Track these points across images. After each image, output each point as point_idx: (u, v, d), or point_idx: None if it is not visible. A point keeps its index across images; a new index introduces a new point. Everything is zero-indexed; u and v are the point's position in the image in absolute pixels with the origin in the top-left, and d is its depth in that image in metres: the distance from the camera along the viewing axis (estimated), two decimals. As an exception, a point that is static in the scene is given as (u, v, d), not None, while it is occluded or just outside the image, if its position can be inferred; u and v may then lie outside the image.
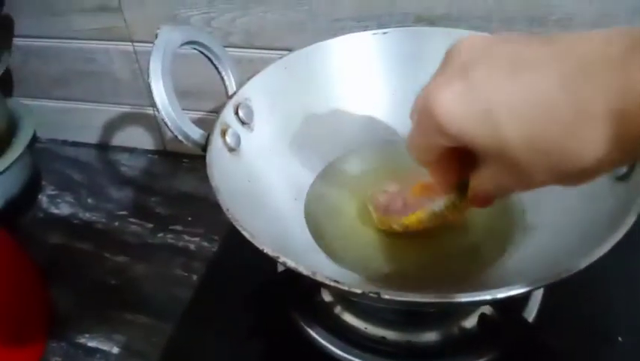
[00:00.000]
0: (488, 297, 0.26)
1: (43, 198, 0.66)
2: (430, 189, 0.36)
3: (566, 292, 0.39)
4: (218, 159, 0.36)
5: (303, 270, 0.28)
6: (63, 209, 0.65)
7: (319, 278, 0.27)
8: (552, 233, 0.37)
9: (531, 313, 0.40)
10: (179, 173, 0.69)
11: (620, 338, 0.41)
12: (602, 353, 0.40)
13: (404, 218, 0.37)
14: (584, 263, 0.28)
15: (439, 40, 0.44)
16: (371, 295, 0.26)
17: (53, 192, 0.67)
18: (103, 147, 0.74)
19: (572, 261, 0.28)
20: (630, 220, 0.30)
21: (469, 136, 0.23)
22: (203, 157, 0.66)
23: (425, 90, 0.24)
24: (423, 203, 0.36)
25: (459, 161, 0.27)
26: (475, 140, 0.22)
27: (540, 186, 0.23)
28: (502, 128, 0.21)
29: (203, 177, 0.65)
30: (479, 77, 0.22)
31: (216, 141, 0.37)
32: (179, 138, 0.36)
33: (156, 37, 0.35)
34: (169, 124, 0.35)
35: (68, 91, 0.70)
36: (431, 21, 0.50)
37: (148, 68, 0.34)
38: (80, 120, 0.72)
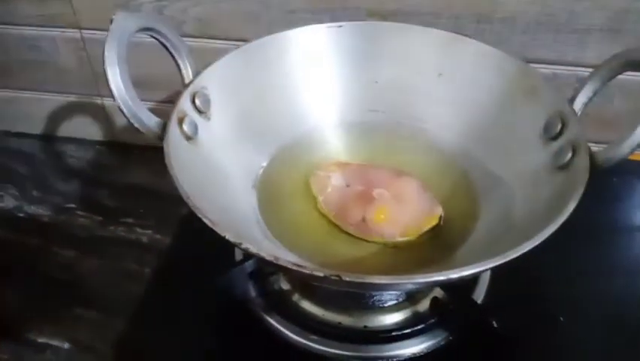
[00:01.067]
0: (442, 277, 0.28)
1: (-16, 192, 0.63)
2: None
3: (511, 276, 0.41)
4: (175, 147, 0.36)
5: (266, 256, 0.28)
6: (7, 202, 0.62)
7: (282, 263, 0.28)
8: (498, 221, 0.39)
9: (480, 295, 0.42)
10: (128, 164, 0.67)
11: (561, 319, 0.44)
12: (545, 333, 0.43)
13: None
14: (526, 247, 0.29)
15: (391, 35, 0.47)
16: (332, 278, 0.27)
17: (-5, 185, 0.64)
18: (48, 138, 0.71)
19: (516, 245, 0.29)
20: (570, 207, 0.32)
21: None
22: (154, 148, 0.65)
23: None
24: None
25: None
26: None
27: None
28: None
29: (154, 169, 0.66)
30: None
31: (174, 130, 0.37)
32: (136, 125, 0.36)
33: (111, 22, 0.35)
34: (125, 111, 0.35)
35: (11, 80, 0.67)
36: (383, 16, 0.52)
37: (103, 55, 0.34)
38: (23, 110, 0.69)
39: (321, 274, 0.28)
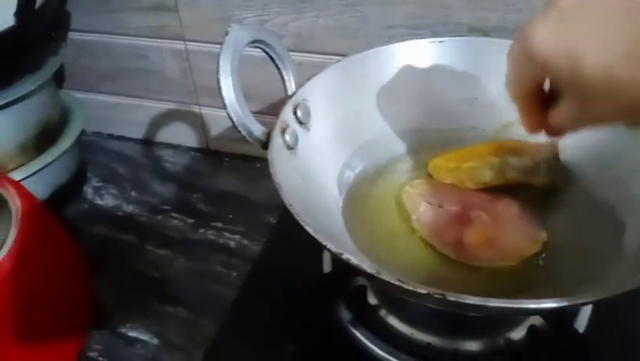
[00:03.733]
0: (554, 305, 0.26)
1: (88, 190, 0.68)
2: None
3: (618, 304, 0.39)
4: (278, 156, 0.37)
5: (367, 269, 0.28)
6: (107, 201, 0.66)
7: (384, 277, 0.28)
8: (608, 250, 0.37)
9: (581, 325, 0.40)
10: (220, 171, 0.70)
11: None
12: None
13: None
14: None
15: (494, 51, 0.45)
16: (435, 296, 0.27)
17: (98, 184, 0.69)
18: (147, 143, 0.75)
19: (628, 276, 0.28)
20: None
21: (554, 66, 0.26)
22: (243, 157, 0.69)
23: (526, 26, 0.28)
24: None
25: (544, 104, 0.31)
26: (558, 70, 0.26)
27: (608, 121, 0.27)
28: (583, 62, 0.25)
29: (243, 177, 0.68)
30: (573, 20, 0.26)
31: (277, 139, 0.38)
32: (243, 133, 0.37)
33: (226, 34, 0.36)
34: (235, 120, 0.36)
35: (117, 86, 0.71)
36: (484, 32, 0.51)
37: (217, 64, 0.35)
38: (126, 115, 0.74)
39: (424, 292, 0.27)
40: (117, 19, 0.64)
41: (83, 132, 0.65)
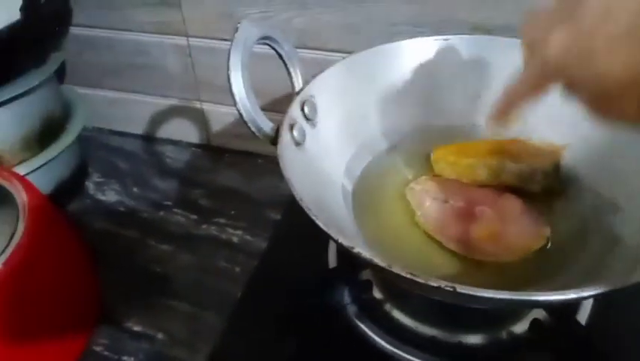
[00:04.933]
0: (561, 297, 0.27)
1: (89, 185, 0.68)
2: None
3: (618, 297, 0.40)
4: (287, 152, 0.37)
5: (379, 262, 0.29)
6: (109, 196, 0.66)
7: (395, 270, 0.28)
8: (609, 245, 0.37)
9: (583, 317, 0.40)
10: (221, 167, 0.70)
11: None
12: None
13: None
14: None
15: (497, 49, 0.46)
16: (447, 289, 0.27)
17: (100, 180, 0.69)
18: (149, 138, 0.76)
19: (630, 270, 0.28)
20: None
21: (570, 71, 0.26)
22: (245, 153, 0.69)
23: (539, 24, 0.28)
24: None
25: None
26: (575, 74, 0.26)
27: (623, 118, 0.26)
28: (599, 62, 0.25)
29: (245, 173, 0.68)
30: (588, 20, 0.25)
31: (285, 135, 0.38)
32: (252, 129, 0.37)
33: (236, 30, 0.36)
34: (244, 115, 0.37)
35: (119, 81, 0.72)
36: (487, 30, 0.51)
37: (228, 60, 0.36)
38: (127, 111, 0.74)
39: (435, 285, 0.28)
40: (120, 15, 0.64)
41: (84, 128, 0.65)
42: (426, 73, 0.47)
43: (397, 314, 0.42)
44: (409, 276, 0.28)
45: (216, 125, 0.71)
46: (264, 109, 0.44)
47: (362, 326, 0.42)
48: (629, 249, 0.35)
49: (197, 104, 0.70)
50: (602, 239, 0.38)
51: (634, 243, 0.36)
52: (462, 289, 0.27)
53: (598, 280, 0.29)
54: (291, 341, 0.44)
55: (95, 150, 0.74)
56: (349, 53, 0.47)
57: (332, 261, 0.46)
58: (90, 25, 0.67)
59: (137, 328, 0.51)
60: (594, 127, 0.42)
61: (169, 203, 0.65)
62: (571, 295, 0.27)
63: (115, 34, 0.67)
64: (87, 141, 0.73)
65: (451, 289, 0.27)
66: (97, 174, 0.70)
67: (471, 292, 0.27)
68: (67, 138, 0.62)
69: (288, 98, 0.42)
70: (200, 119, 0.71)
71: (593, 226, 0.39)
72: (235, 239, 0.59)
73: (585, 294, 0.27)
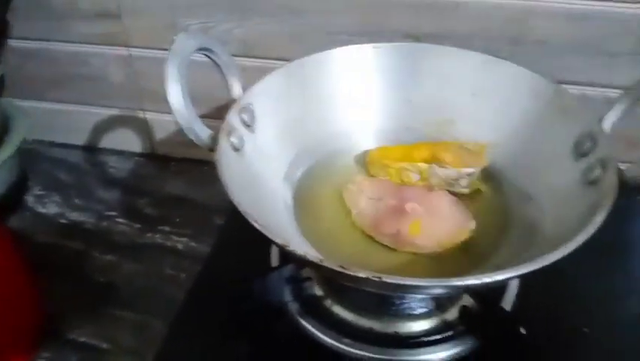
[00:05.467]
0: (476, 281, 0.29)
1: (29, 198, 0.67)
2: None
3: (540, 288, 0.44)
4: (225, 157, 0.38)
5: (313, 258, 0.30)
6: (50, 209, 0.66)
7: (327, 265, 0.30)
8: (529, 235, 0.41)
9: (508, 304, 0.44)
10: (166, 176, 0.70)
11: (585, 330, 0.45)
12: (569, 343, 0.44)
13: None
14: (555, 256, 0.31)
15: (428, 56, 0.49)
16: (374, 279, 0.29)
17: (40, 193, 0.68)
18: (91, 149, 0.75)
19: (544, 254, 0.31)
20: (598, 220, 0.33)
21: None
22: (190, 161, 0.70)
23: None
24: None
25: None
26: None
27: None
28: None
29: (190, 180, 0.69)
30: None
31: (223, 142, 0.39)
32: (191, 137, 0.39)
33: (173, 42, 0.38)
34: (182, 123, 0.38)
35: (61, 93, 0.71)
36: (418, 38, 0.54)
37: (165, 71, 0.37)
38: (69, 122, 0.73)
39: (364, 276, 0.29)
40: (60, 27, 0.64)
41: (23, 140, 0.64)
42: (360, 79, 0.49)
43: (337, 309, 0.44)
44: (339, 269, 0.30)
45: (160, 134, 0.71)
46: (208, 117, 0.46)
47: (304, 322, 0.44)
48: (545, 239, 0.38)
49: (141, 114, 0.70)
50: (521, 230, 0.41)
51: (549, 232, 0.39)
52: (387, 278, 0.29)
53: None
54: (236, 342, 0.45)
55: (37, 163, 0.72)
56: (290, 61, 0.49)
57: (274, 263, 0.48)
58: (30, 37, 0.66)
59: (82, 339, 0.50)
60: (514, 127, 0.46)
61: (113, 213, 0.64)
62: (484, 279, 0.29)
63: (56, 46, 0.66)
64: (28, 154, 0.72)
65: (378, 279, 0.29)
66: (37, 187, 0.69)
67: (396, 281, 0.29)
68: (6, 151, 0.61)
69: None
70: (143, 128, 0.71)
71: (514, 218, 0.43)
72: (180, 246, 0.60)
73: (499, 278, 0.30)
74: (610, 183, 0.36)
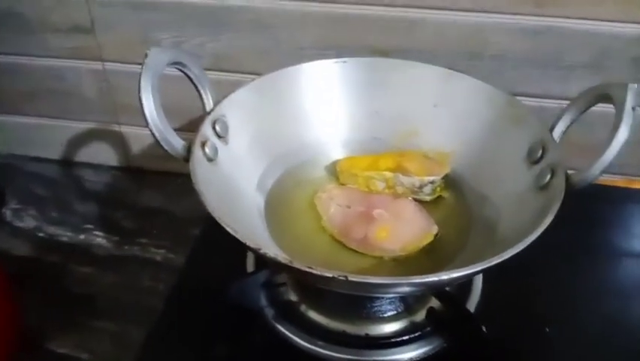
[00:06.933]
0: (435, 278, 0.32)
1: (6, 212, 0.67)
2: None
3: (504, 286, 0.46)
4: (199, 167, 0.40)
5: (282, 259, 0.32)
6: (27, 222, 0.66)
7: (296, 265, 0.32)
8: (486, 237, 0.43)
9: (472, 306, 0.46)
10: (142, 189, 0.71)
11: (547, 329, 0.47)
12: (531, 342, 0.47)
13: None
14: (508, 254, 0.34)
15: (392, 70, 0.52)
16: (339, 278, 0.31)
17: (17, 206, 0.68)
18: (67, 163, 0.75)
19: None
20: (547, 220, 0.36)
21: None
22: (166, 173, 0.71)
23: None
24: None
25: None
26: None
27: None
28: None
29: (166, 193, 0.70)
30: None
31: (197, 152, 0.41)
32: (165, 148, 0.40)
33: (146, 56, 0.39)
34: (157, 135, 0.39)
35: (35, 107, 0.71)
36: (384, 52, 0.57)
37: (138, 84, 0.38)
38: (44, 136, 0.74)
39: (330, 275, 0.31)
40: (34, 41, 0.65)
41: (-1, 155, 0.65)
42: (328, 92, 0.52)
43: (311, 314, 0.46)
44: (307, 269, 0.31)
45: (136, 147, 0.72)
46: (181, 129, 0.47)
47: (280, 326, 0.45)
48: (501, 241, 0.41)
49: (116, 127, 0.71)
50: (480, 232, 0.44)
51: (504, 233, 0.41)
52: (353, 277, 0.31)
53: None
54: (214, 347, 0.47)
55: (12, 177, 0.73)
56: (260, 74, 0.51)
57: (250, 268, 0.49)
58: (4, 51, 0.67)
59: (61, 350, 0.51)
60: (473, 136, 0.49)
61: (90, 226, 0.65)
62: (442, 276, 0.31)
63: (29, 61, 0.67)
64: (3, 169, 0.72)
65: (344, 278, 0.31)
66: (14, 200, 0.69)
67: (360, 280, 0.31)
68: (-20, 166, 0.61)
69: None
70: (119, 141, 0.72)
71: (474, 222, 0.46)
72: (158, 258, 0.61)
73: (455, 275, 0.32)
74: (558, 186, 0.39)
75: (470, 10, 0.53)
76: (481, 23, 0.54)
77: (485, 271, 0.33)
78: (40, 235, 0.64)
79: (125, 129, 0.71)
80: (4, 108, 0.72)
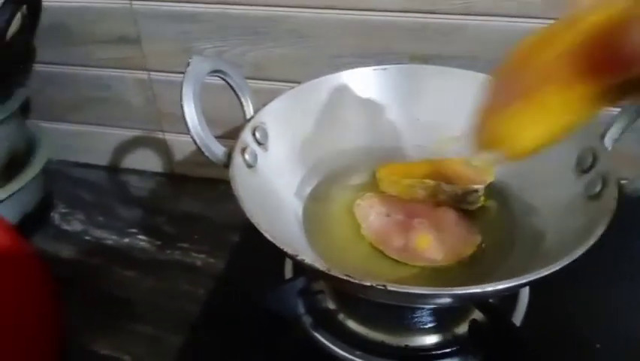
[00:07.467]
0: (478, 290, 0.31)
1: (55, 216, 0.70)
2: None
3: (551, 300, 0.45)
4: (239, 173, 0.41)
5: (320, 267, 0.32)
6: (75, 226, 0.68)
7: (334, 273, 0.31)
8: (532, 248, 0.42)
9: (518, 319, 0.44)
10: (184, 195, 0.73)
11: (598, 346, 0.45)
12: (581, 359, 0.45)
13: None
14: (555, 266, 0.32)
15: (432, 77, 0.51)
16: (378, 287, 0.31)
17: (65, 210, 0.70)
18: (112, 169, 0.78)
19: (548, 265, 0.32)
20: (599, 232, 0.34)
21: None
22: (207, 180, 0.72)
23: None
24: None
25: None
26: None
27: None
28: None
29: (207, 199, 0.71)
30: None
31: (237, 158, 0.41)
32: (206, 154, 0.41)
33: (188, 65, 0.40)
34: (197, 141, 0.40)
35: (82, 115, 0.74)
36: (424, 59, 0.56)
37: (181, 92, 0.39)
38: (91, 143, 0.76)
39: (368, 284, 0.31)
40: (82, 52, 0.67)
41: (48, 161, 0.67)
42: (367, 100, 0.51)
43: (350, 323, 0.45)
44: (345, 278, 0.31)
45: (179, 155, 0.74)
46: (222, 137, 0.48)
47: (317, 335, 0.45)
48: (548, 251, 0.39)
49: (160, 135, 0.73)
50: (525, 243, 0.42)
51: (551, 245, 0.40)
52: (392, 287, 0.30)
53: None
54: (249, 354, 0.47)
55: (60, 182, 0.75)
56: (300, 82, 0.51)
57: (287, 274, 0.49)
58: (53, 62, 0.70)
59: (104, 351, 0.52)
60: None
61: (134, 230, 0.67)
62: (487, 288, 0.30)
63: (77, 71, 0.69)
64: (52, 174, 0.74)
65: (383, 288, 0.30)
66: (62, 205, 0.71)
67: (400, 290, 0.30)
68: (32, 171, 0.64)
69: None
70: (162, 149, 0.74)
71: (519, 232, 0.44)
72: (198, 262, 0.62)
73: (500, 287, 0.31)
74: (610, 197, 0.37)
75: (515, 15, 0.52)
76: (524, 29, 0.52)
77: (532, 284, 0.32)
78: (87, 238, 0.66)
79: (168, 137, 0.72)
80: (53, 116, 0.75)
